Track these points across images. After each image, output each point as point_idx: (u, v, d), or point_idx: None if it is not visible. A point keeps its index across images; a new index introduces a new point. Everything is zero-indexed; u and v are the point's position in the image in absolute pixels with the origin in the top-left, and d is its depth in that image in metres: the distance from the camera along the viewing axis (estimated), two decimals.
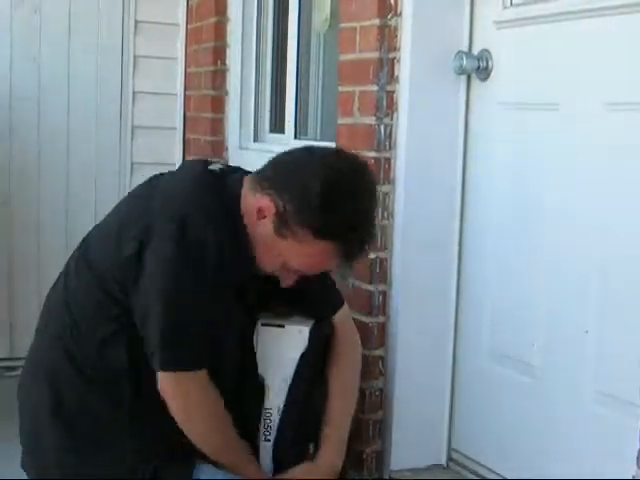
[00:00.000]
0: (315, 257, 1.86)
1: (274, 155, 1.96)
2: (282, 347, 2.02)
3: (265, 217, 1.85)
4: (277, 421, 2.01)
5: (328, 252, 1.84)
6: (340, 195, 1.81)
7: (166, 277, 1.78)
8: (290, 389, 2.01)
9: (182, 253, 1.77)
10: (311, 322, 2.05)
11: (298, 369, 2.02)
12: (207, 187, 1.90)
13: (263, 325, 2.02)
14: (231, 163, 3.77)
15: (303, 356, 2.02)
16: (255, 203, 1.86)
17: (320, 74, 3.39)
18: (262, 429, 2.01)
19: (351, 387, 2.14)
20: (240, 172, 2.01)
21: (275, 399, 2.01)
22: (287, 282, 1.93)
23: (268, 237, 1.85)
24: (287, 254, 1.86)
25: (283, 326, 2.03)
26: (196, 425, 1.87)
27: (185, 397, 1.85)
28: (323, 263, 1.90)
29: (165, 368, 1.82)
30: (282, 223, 1.82)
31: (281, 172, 1.88)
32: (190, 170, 2.04)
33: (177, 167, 2.18)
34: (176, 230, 1.77)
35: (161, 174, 2.06)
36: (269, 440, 2.01)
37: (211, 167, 1.99)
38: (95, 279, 1.90)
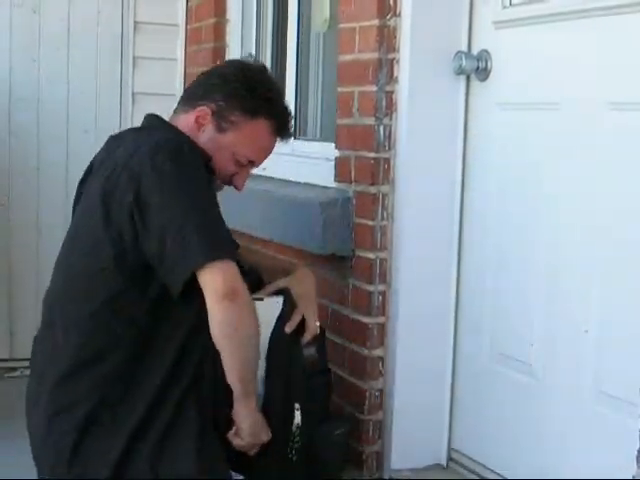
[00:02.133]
0: (257, 138, 2.07)
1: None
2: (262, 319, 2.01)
3: (204, 124, 2.03)
4: (261, 389, 2.04)
5: (265, 129, 2.07)
6: (256, 75, 2.09)
7: (178, 183, 1.81)
8: (270, 355, 2.06)
9: (180, 165, 1.83)
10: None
11: (273, 336, 2.07)
12: (156, 129, 2.03)
13: None
14: None
15: (277, 323, 2.11)
16: (191, 118, 2.03)
17: (319, 75, 3.39)
18: None
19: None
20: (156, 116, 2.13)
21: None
22: (241, 182, 2.11)
23: (213, 140, 2.02)
24: (234, 146, 2.04)
25: (262, 299, 2.10)
26: (246, 327, 1.85)
27: (236, 288, 1.81)
28: (265, 142, 2.10)
29: (215, 257, 1.78)
30: (220, 118, 2.03)
31: (199, 86, 2.10)
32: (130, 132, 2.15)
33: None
34: (160, 155, 1.83)
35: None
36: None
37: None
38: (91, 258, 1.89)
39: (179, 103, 2.12)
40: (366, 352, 2.53)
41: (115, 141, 2.03)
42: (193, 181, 1.84)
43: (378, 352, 2.53)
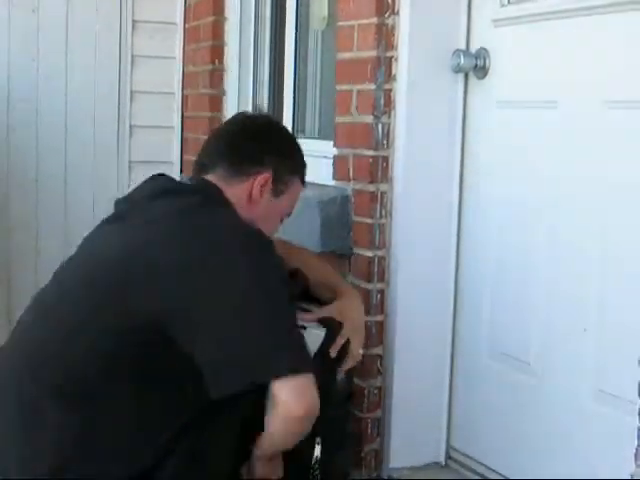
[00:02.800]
0: (297, 195, 2.02)
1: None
2: None
3: (263, 190, 1.89)
4: None
5: (300, 184, 2.02)
6: (288, 132, 2.09)
7: (247, 286, 1.63)
8: None
9: (246, 261, 1.64)
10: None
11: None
12: (204, 205, 1.79)
13: None
14: None
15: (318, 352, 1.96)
16: (250, 185, 1.88)
17: (318, 73, 3.39)
18: None
19: None
20: (191, 179, 1.98)
21: None
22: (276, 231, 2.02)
23: (269, 207, 1.92)
24: (286, 208, 1.99)
25: (305, 328, 1.95)
26: (305, 431, 1.72)
27: (312, 409, 1.64)
28: (299, 195, 2.04)
29: (287, 372, 1.60)
30: (278, 182, 1.92)
31: (243, 149, 1.92)
32: (172, 196, 1.83)
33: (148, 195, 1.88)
34: (222, 251, 1.65)
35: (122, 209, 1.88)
36: None
37: (179, 181, 2.02)
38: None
39: (219, 165, 1.89)
40: (365, 350, 2.52)
41: (149, 202, 1.80)
42: (271, 281, 1.66)
43: (377, 350, 2.53)
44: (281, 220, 2.00)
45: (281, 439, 1.74)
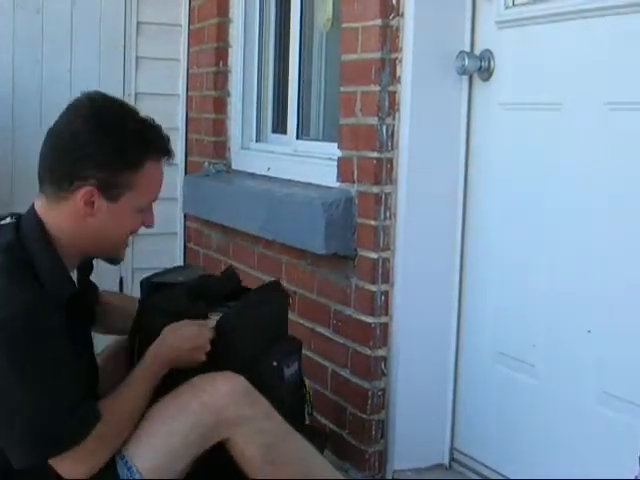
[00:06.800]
0: (152, 181, 1.88)
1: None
2: None
3: (93, 204, 1.80)
4: None
5: (155, 168, 1.88)
6: (112, 118, 1.83)
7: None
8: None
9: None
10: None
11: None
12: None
13: None
14: (234, 163, 3.78)
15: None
16: (71, 207, 1.80)
17: (322, 74, 3.39)
18: None
19: None
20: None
21: None
22: (150, 219, 1.94)
23: (114, 212, 1.83)
24: (134, 203, 1.85)
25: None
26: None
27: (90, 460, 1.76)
28: (159, 177, 1.91)
29: (59, 451, 1.71)
30: (109, 188, 1.80)
31: (55, 166, 1.82)
32: None
33: None
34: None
35: None
36: None
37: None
38: None
39: (43, 185, 1.84)
40: (369, 352, 2.53)
41: None
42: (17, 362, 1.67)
43: (381, 352, 2.53)
44: (140, 211, 1.89)
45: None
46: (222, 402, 1.87)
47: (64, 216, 1.82)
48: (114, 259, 1.98)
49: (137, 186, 1.84)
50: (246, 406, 1.89)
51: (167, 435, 1.84)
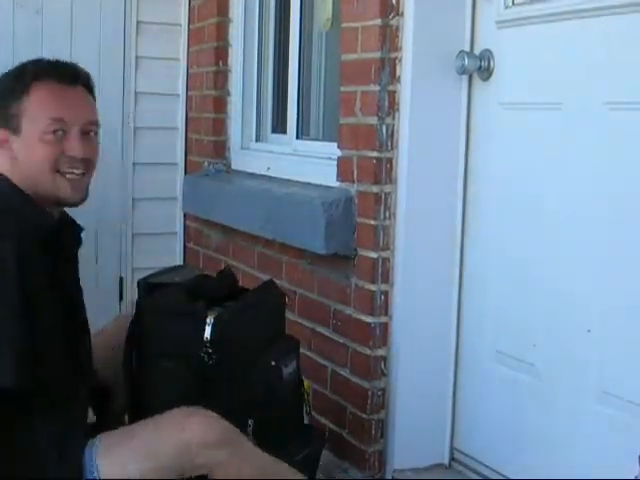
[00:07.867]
0: (45, 102, 1.92)
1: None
2: None
3: (7, 143, 1.86)
4: None
5: (46, 88, 1.95)
6: (12, 69, 1.98)
7: None
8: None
9: None
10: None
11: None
12: None
13: None
14: (233, 163, 3.78)
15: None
16: (1, 160, 1.87)
17: (322, 74, 3.39)
18: None
19: None
20: None
21: None
22: (72, 148, 1.92)
23: (23, 148, 1.87)
24: (34, 129, 1.87)
25: None
26: None
27: None
28: (55, 97, 1.96)
29: None
30: (9, 122, 1.87)
31: None
32: None
33: None
34: None
35: None
36: None
37: None
38: None
39: None
40: (369, 352, 2.53)
41: None
42: None
43: (381, 352, 2.53)
44: (50, 136, 1.88)
45: None
46: (195, 450, 1.80)
47: (2, 162, 1.88)
48: (62, 200, 1.94)
49: (29, 110, 1.88)
50: (221, 450, 1.82)
51: (142, 460, 1.79)
